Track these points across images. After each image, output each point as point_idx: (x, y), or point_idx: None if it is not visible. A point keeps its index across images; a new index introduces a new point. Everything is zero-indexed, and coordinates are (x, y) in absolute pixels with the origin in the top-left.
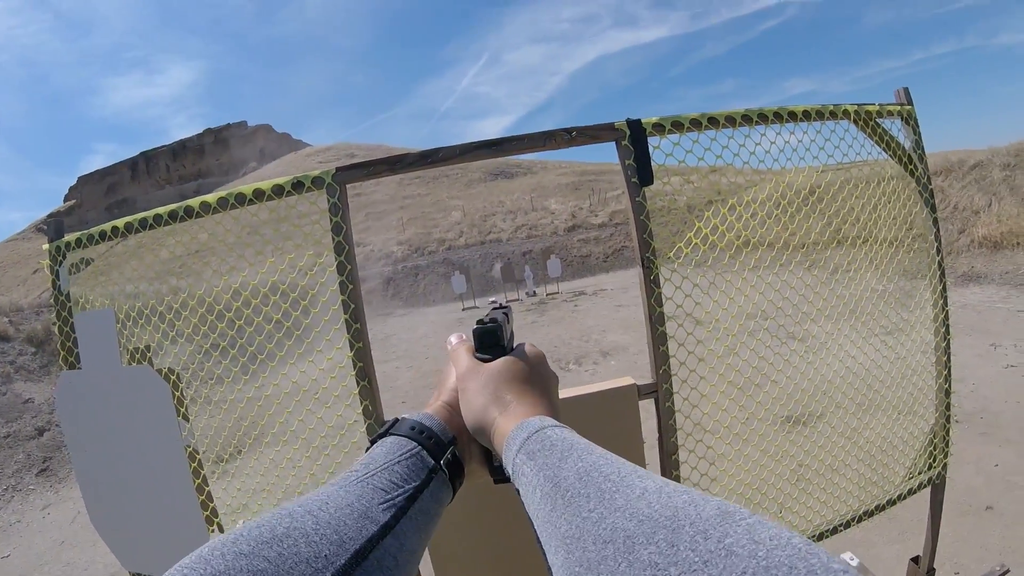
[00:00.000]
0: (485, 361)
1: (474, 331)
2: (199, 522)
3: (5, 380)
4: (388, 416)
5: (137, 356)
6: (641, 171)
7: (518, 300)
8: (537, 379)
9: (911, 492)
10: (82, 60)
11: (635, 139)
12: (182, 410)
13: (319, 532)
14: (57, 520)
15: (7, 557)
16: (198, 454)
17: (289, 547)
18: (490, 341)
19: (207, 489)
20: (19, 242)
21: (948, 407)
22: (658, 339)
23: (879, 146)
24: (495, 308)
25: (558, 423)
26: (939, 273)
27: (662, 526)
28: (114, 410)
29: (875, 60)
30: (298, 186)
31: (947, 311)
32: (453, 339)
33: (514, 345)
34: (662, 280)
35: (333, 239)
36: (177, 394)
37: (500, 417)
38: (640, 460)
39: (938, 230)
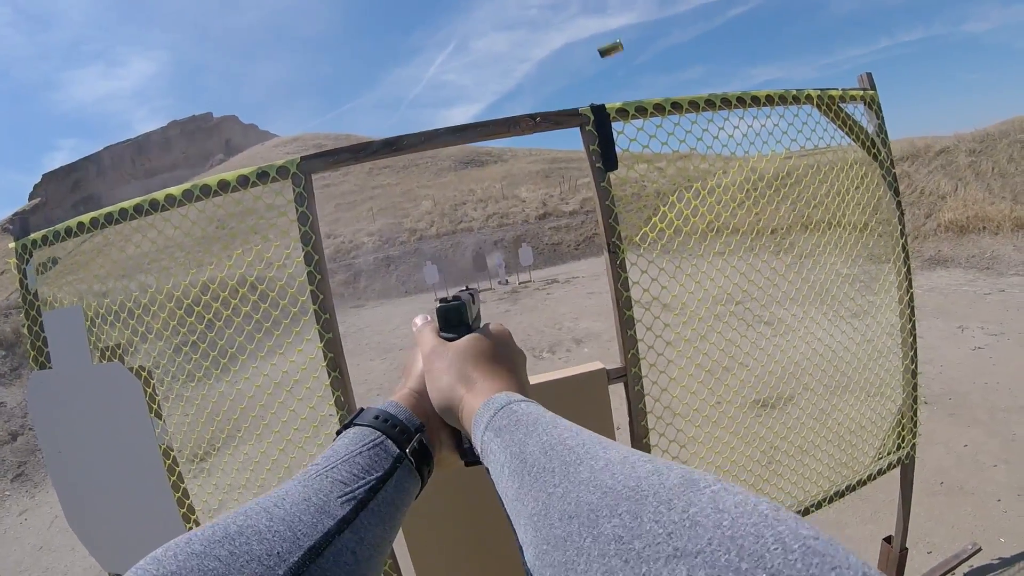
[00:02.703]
0: (450, 340)
1: (438, 310)
2: (176, 520)
3: None
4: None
5: (108, 355)
6: (606, 156)
7: (490, 289)
8: (504, 356)
9: (881, 472)
10: (42, 54)
11: (599, 124)
12: (155, 407)
13: (272, 529)
14: (35, 525)
15: None
16: (172, 451)
17: (241, 545)
18: (455, 319)
19: (182, 486)
20: None
21: (915, 388)
22: (625, 323)
23: (842, 130)
24: (461, 290)
25: (525, 398)
26: (903, 256)
27: (625, 497)
28: (87, 409)
29: (841, 47)
30: (263, 176)
31: (912, 294)
32: (418, 320)
33: (480, 324)
34: (629, 265)
35: (300, 229)
36: (149, 391)
37: (467, 395)
38: None
39: (902, 213)
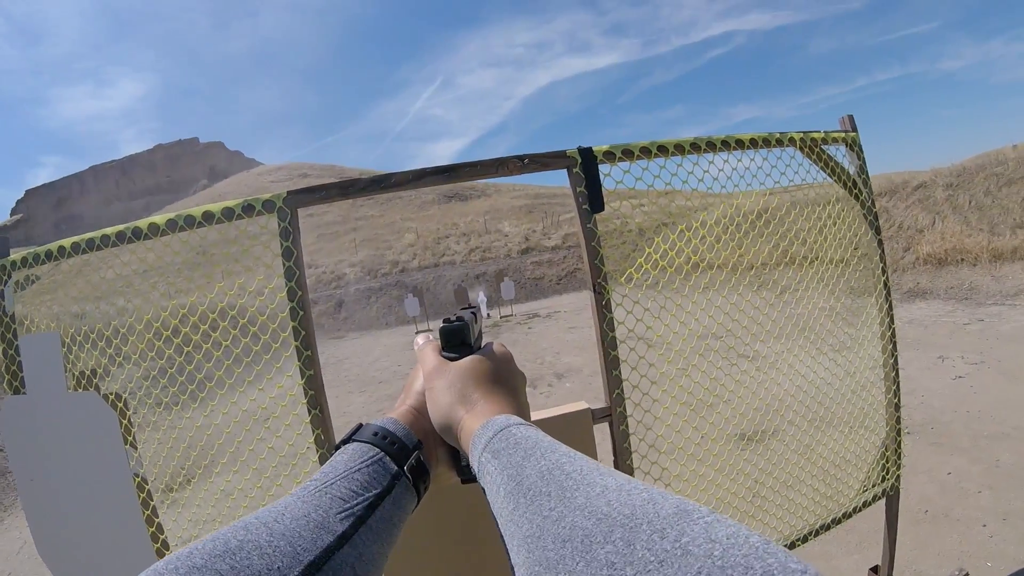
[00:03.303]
0: (452, 360)
1: (440, 330)
2: (149, 553)
3: None
4: None
5: (84, 381)
6: (592, 198)
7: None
8: (504, 378)
9: (866, 504)
10: (32, 69)
11: (586, 167)
12: (130, 438)
13: (272, 544)
14: (2, 551)
15: None
16: (147, 484)
17: (242, 560)
18: (456, 340)
19: (156, 521)
20: None
21: (898, 420)
22: (610, 363)
23: (824, 171)
24: (463, 308)
25: (524, 422)
26: (884, 292)
27: (620, 524)
28: (60, 437)
29: (819, 87)
30: (248, 209)
31: (893, 328)
32: (420, 339)
33: (482, 344)
34: (614, 305)
35: (284, 264)
36: (124, 422)
37: (467, 416)
38: None
39: (883, 251)
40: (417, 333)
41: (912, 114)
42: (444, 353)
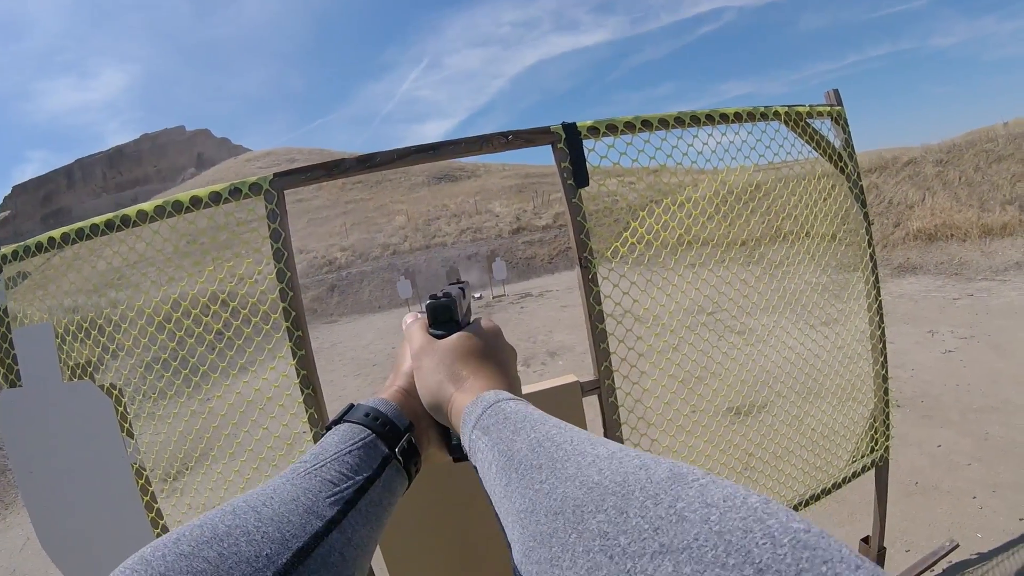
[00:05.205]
0: (440, 337)
1: (427, 306)
2: (148, 536)
3: None
4: None
5: (78, 372)
6: (577, 173)
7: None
8: (493, 353)
9: (856, 475)
10: (13, 64)
11: (570, 142)
12: (126, 426)
13: (261, 530)
14: (5, 548)
15: None
16: (145, 471)
17: (230, 546)
18: (444, 316)
19: (156, 506)
20: None
21: (886, 392)
22: (598, 336)
23: (810, 145)
24: (451, 284)
25: (514, 396)
26: (871, 265)
27: (612, 492)
28: (58, 428)
29: (810, 63)
30: (235, 192)
31: (880, 301)
32: (408, 318)
33: (470, 320)
34: (600, 279)
35: (272, 246)
36: (120, 410)
37: (456, 393)
38: None
39: (869, 224)
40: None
41: (903, 91)
42: (432, 330)
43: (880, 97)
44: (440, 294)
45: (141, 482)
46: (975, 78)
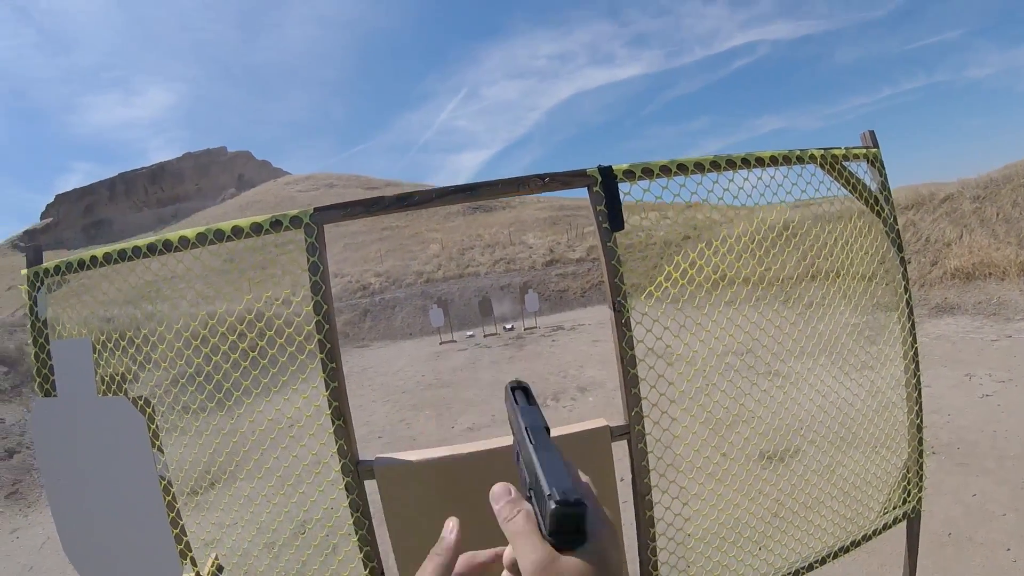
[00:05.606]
0: (560, 548)
1: (553, 512)
2: (173, 555)
3: None
4: (363, 454)
5: (113, 386)
6: (612, 217)
7: (495, 334)
8: None
9: (887, 527)
10: (62, 77)
11: (606, 185)
12: (157, 443)
13: None
14: (25, 545)
15: None
16: (172, 487)
17: None
18: (572, 527)
19: (181, 523)
20: None
21: (920, 442)
22: (630, 381)
23: (845, 188)
24: (513, 387)
25: None
26: (907, 311)
27: None
28: (89, 440)
29: (845, 97)
30: (276, 225)
31: (916, 348)
32: (502, 499)
33: (547, 424)
34: (633, 324)
35: (310, 279)
36: (152, 427)
37: None
38: (613, 502)
39: (905, 269)
40: (441, 343)
41: (938, 124)
42: (550, 538)
43: (915, 130)
44: (570, 498)
45: (168, 498)
46: (1011, 109)
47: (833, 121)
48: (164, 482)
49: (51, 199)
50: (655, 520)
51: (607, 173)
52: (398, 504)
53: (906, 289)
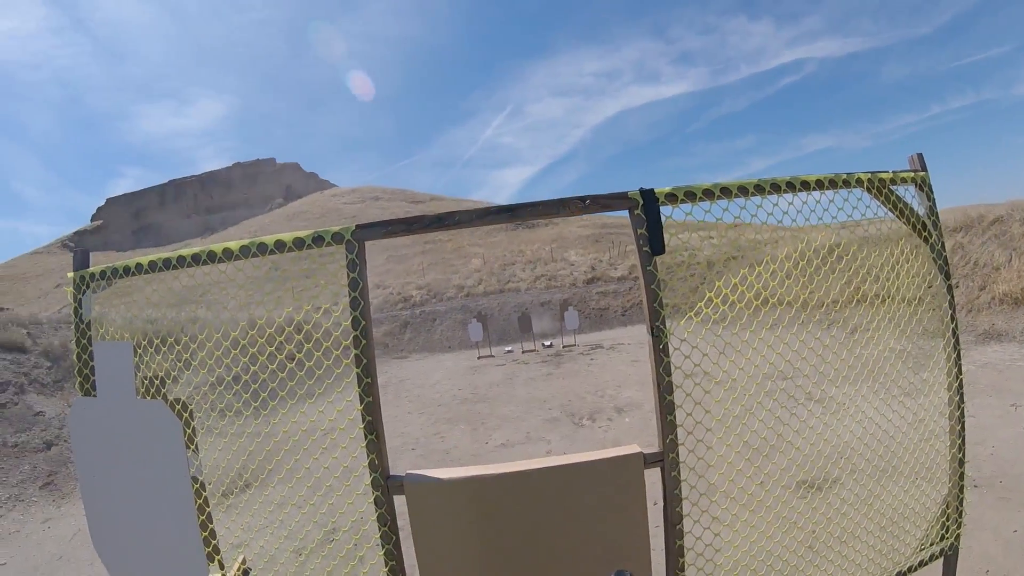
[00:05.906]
0: None
1: None
2: (200, 557)
3: (18, 391)
4: (394, 468)
5: (153, 388)
6: (653, 241)
7: (534, 351)
8: None
9: (923, 563)
10: (116, 86)
11: (648, 209)
12: (192, 446)
13: None
14: (56, 535)
15: (3, 565)
16: (204, 490)
17: None
18: None
19: (211, 526)
20: (43, 255)
21: (962, 477)
22: (666, 408)
23: (892, 213)
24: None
25: None
26: (953, 340)
27: None
28: (126, 440)
29: (892, 115)
30: (318, 240)
31: (960, 379)
32: None
33: None
34: (671, 349)
35: (349, 295)
36: (188, 431)
37: None
38: (643, 530)
39: (952, 296)
40: (479, 358)
41: (987, 143)
42: None
43: (964, 149)
44: None
45: (200, 500)
46: None
47: (881, 140)
48: (198, 484)
49: (102, 202)
50: (685, 550)
51: (649, 196)
52: (426, 522)
53: (952, 317)
